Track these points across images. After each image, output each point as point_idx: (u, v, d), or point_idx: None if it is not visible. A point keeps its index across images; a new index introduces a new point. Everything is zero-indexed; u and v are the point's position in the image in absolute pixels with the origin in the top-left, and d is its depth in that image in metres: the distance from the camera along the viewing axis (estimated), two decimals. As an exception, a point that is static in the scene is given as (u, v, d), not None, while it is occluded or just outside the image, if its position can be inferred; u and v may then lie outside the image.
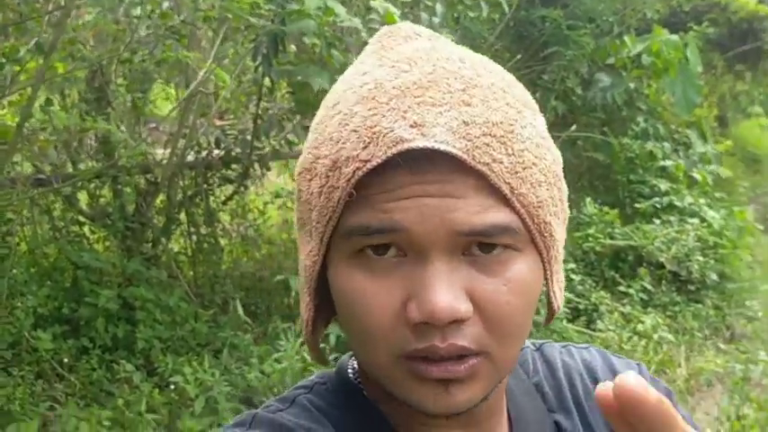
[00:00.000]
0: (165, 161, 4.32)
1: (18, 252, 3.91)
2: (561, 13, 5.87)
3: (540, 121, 0.63)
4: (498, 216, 0.56)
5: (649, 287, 5.31)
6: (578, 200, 6.38)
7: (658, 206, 6.09)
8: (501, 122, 0.57)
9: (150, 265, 4.13)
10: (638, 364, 0.79)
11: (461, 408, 0.58)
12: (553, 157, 0.62)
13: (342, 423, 0.65)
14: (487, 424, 0.67)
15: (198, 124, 4.53)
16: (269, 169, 5.09)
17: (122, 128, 3.75)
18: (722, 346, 4.82)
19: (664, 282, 5.47)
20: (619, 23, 6.38)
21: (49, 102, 3.21)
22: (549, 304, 0.67)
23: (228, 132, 4.60)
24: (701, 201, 6.28)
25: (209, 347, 3.81)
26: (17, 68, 3.32)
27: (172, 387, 3.28)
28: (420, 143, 0.54)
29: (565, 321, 4.77)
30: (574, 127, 6.17)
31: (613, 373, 0.76)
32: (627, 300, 5.22)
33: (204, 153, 4.63)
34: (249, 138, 4.49)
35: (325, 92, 2.84)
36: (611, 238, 5.69)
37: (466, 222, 0.55)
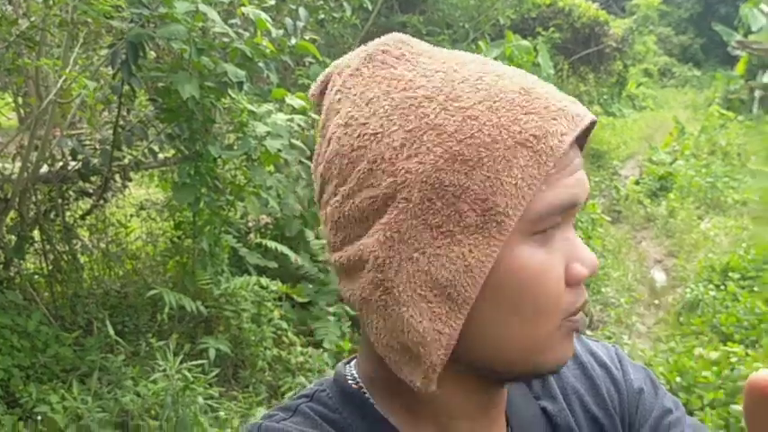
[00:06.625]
0: (14, 176, 4.01)
1: None
2: (420, 18, 6.01)
3: None
4: None
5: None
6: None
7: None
8: None
9: (4, 288, 3.82)
10: (613, 346, 0.82)
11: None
12: None
13: (343, 426, 0.67)
14: (496, 410, 0.70)
15: (51, 135, 4.23)
16: (130, 180, 4.84)
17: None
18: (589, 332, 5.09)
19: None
20: (474, 30, 6.62)
21: None
22: None
23: (86, 143, 4.33)
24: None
25: (77, 372, 3.57)
26: None
27: (39, 418, 3.04)
28: (590, 117, 0.61)
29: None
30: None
31: (593, 354, 0.79)
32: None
33: (59, 165, 4.33)
34: (109, 148, 4.25)
35: (193, 99, 2.71)
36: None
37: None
